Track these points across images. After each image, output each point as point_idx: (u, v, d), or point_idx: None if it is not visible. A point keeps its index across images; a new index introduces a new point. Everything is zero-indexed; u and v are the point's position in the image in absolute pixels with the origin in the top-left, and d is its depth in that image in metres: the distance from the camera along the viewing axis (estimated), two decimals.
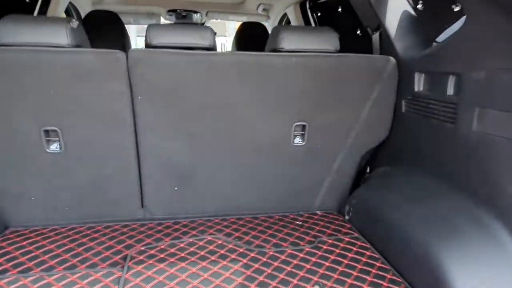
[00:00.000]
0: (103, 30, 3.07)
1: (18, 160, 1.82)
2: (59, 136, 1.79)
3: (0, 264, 1.62)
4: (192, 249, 1.79)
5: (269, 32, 4.09)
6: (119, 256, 1.73)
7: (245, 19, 4.21)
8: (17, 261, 1.66)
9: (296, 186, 2.21)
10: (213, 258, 1.72)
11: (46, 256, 1.70)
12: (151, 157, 1.94)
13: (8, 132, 1.75)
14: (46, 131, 1.77)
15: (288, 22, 4.18)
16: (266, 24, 4.19)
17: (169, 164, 1.98)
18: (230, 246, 1.83)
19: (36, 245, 1.79)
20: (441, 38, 1.96)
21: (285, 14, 4.08)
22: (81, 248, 1.78)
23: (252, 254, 1.76)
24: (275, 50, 1.93)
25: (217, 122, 1.92)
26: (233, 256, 1.74)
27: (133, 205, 2.06)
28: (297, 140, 2.06)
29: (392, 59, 1.95)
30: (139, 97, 1.77)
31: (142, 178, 1.98)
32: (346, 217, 2.20)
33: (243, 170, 2.09)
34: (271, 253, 1.78)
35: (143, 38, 1.95)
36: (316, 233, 2.00)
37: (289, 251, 1.80)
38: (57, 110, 1.74)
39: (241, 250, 1.79)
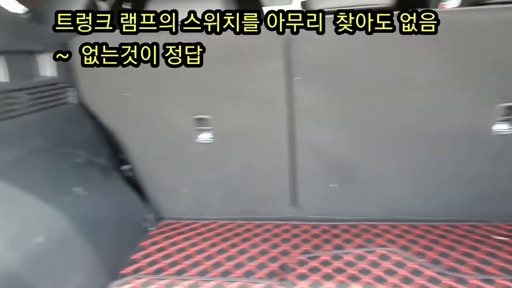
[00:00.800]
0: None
1: (170, 151, 1.73)
2: (210, 124, 1.62)
3: (156, 262, 1.54)
4: (362, 264, 1.44)
5: None
6: (276, 264, 1.49)
7: None
8: (172, 259, 1.56)
9: (493, 188, 1.65)
10: (393, 280, 1.34)
11: (201, 256, 1.57)
12: (307, 148, 1.65)
13: (162, 121, 1.65)
14: (197, 119, 1.63)
15: None
16: None
17: (326, 156, 1.66)
18: (413, 265, 1.41)
19: (190, 241, 1.69)
20: None
21: None
22: (235, 250, 1.60)
23: (446, 281, 1.32)
24: (476, 3, 1.40)
25: (390, 106, 1.50)
26: (420, 281, 1.32)
27: (283, 202, 1.81)
28: (501, 127, 1.50)
29: None
30: (298, 78, 1.47)
31: (295, 172, 1.71)
32: None
33: (420, 165, 1.63)
34: (473, 282, 1.31)
35: None
36: None
37: (500, 281, 1.30)
38: (209, 95, 1.56)
39: (429, 273, 1.36)
